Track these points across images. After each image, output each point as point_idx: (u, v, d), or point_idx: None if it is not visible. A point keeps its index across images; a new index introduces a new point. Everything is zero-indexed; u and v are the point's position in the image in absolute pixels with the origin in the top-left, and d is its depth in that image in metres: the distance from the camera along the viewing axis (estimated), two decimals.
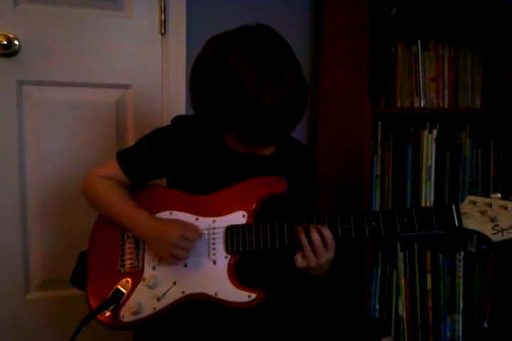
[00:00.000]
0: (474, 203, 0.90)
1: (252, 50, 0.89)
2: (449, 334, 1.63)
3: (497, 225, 0.89)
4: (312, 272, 1.00)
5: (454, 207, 0.91)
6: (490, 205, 0.89)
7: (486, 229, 0.90)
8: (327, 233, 0.94)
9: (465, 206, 0.91)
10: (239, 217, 1.02)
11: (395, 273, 1.56)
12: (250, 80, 0.87)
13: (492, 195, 0.91)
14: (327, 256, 0.95)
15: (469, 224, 0.91)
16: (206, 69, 0.93)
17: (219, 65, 0.90)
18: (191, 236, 1.00)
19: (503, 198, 0.90)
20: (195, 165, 1.08)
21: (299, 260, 0.96)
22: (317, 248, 0.94)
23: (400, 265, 1.56)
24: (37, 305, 1.55)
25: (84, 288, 1.08)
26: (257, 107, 0.88)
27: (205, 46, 0.96)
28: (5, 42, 1.40)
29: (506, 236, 0.89)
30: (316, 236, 0.94)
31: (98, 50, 1.52)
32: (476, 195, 0.91)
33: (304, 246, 0.95)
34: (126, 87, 1.57)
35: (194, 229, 1.02)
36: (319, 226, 0.95)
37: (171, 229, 0.99)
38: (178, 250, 0.99)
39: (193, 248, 1.00)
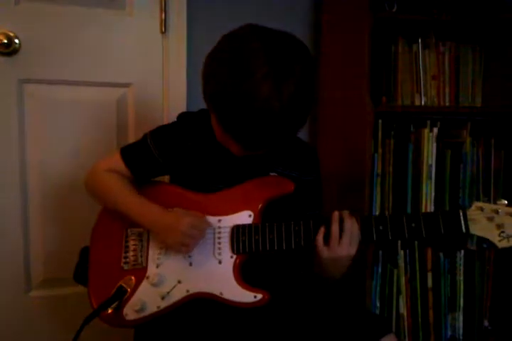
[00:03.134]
0: (481, 209, 0.91)
1: (269, 40, 0.86)
2: (449, 332, 1.63)
3: (503, 232, 0.90)
4: (329, 268, 1.00)
5: (461, 213, 0.92)
6: (497, 212, 0.90)
7: (493, 235, 0.91)
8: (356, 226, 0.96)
9: (472, 212, 0.92)
10: (245, 217, 1.02)
11: (395, 271, 1.56)
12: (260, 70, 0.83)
13: (498, 202, 0.92)
14: (350, 250, 0.96)
15: (476, 230, 0.92)
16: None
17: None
18: (201, 225, 0.99)
19: (509, 205, 0.91)
20: (202, 162, 1.07)
21: (321, 242, 0.95)
22: (345, 235, 0.95)
23: (401, 263, 1.56)
24: (38, 303, 1.55)
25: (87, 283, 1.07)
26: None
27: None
28: (5, 41, 1.39)
29: None
30: (349, 223, 0.95)
31: (99, 49, 1.51)
32: (484, 202, 0.92)
33: (332, 233, 0.95)
34: (126, 85, 1.57)
35: (203, 217, 1.01)
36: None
37: (181, 218, 0.99)
38: (188, 238, 0.98)
39: (203, 236, 1.00)
